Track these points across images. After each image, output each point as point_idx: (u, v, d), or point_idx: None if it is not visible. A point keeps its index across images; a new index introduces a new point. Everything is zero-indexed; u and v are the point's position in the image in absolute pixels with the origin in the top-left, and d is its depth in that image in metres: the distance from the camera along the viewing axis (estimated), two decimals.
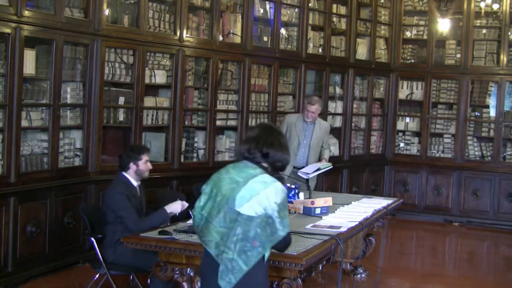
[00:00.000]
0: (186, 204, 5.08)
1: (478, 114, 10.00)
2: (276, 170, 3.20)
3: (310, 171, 6.70)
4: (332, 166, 6.99)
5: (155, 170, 6.98)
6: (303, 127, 7.04)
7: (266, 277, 3.18)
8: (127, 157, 5.11)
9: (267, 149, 3.17)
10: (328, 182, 9.27)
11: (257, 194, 3.00)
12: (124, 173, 5.11)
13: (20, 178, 5.67)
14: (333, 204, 5.44)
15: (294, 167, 6.82)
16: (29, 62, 5.76)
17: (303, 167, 6.87)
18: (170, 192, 6.82)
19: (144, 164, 5.12)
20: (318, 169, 6.75)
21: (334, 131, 9.58)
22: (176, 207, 5.01)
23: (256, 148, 3.17)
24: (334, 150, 9.52)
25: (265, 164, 3.19)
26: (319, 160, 7.09)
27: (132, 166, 5.09)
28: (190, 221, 4.73)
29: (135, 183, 5.13)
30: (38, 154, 5.99)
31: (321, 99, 9.13)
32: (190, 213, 5.63)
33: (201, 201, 3.20)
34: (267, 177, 3.09)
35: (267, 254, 3.10)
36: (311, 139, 7.04)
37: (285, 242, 3.10)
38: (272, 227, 3.00)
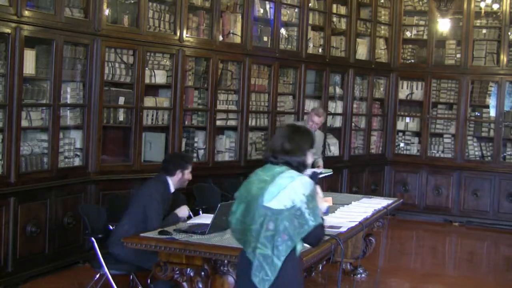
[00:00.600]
0: (188, 209, 5.13)
1: (478, 114, 10.00)
2: (300, 171, 3.20)
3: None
4: (332, 172, 6.99)
5: (155, 170, 7.00)
6: None
7: (299, 271, 3.17)
8: (176, 164, 5.12)
9: (294, 151, 3.21)
10: (328, 182, 9.26)
11: (284, 188, 3.03)
12: (168, 177, 5.10)
13: (20, 178, 5.67)
14: (333, 204, 5.44)
15: None
16: (29, 62, 5.76)
17: None
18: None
19: (188, 174, 5.15)
20: (320, 173, 6.69)
21: (334, 131, 9.59)
22: (184, 212, 5.04)
23: (281, 151, 3.20)
24: (334, 150, 9.52)
25: (283, 162, 3.22)
26: (312, 166, 7.02)
27: (178, 174, 5.10)
28: (190, 221, 4.73)
29: (172, 189, 5.13)
30: (38, 154, 5.99)
31: (321, 99, 9.16)
32: (190, 213, 5.65)
33: (234, 206, 3.24)
34: (293, 172, 3.12)
35: (299, 248, 3.09)
36: None
37: (316, 235, 3.06)
38: (301, 219, 3.00)
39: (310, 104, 9.03)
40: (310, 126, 6.88)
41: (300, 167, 3.20)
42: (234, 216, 3.21)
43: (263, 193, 3.06)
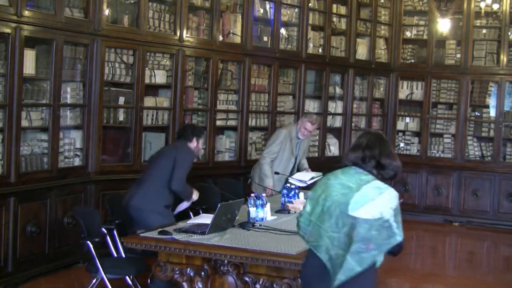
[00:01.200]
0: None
1: (478, 114, 10.00)
2: (385, 179, 3.21)
3: (306, 178, 6.50)
4: (322, 175, 6.83)
5: None
6: (296, 141, 6.74)
7: (374, 284, 3.15)
8: (193, 132, 5.56)
9: (384, 159, 3.21)
10: None
11: (372, 199, 3.03)
12: (187, 143, 5.50)
13: (20, 178, 5.67)
14: None
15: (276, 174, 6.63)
16: (29, 62, 5.76)
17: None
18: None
19: (201, 144, 5.69)
20: (312, 178, 6.58)
21: (334, 131, 9.59)
22: (196, 194, 5.50)
23: (372, 157, 3.19)
24: (334, 150, 9.53)
25: (375, 172, 3.21)
26: (299, 170, 6.89)
27: (194, 142, 5.54)
28: (190, 221, 4.73)
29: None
30: (38, 154, 5.99)
31: (321, 99, 9.16)
32: (191, 213, 5.66)
33: (308, 207, 3.23)
34: (380, 183, 3.13)
35: (380, 259, 3.08)
36: (299, 152, 6.83)
37: (401, 246, 3.08)
38: (389, 231, 3.01)
39: (310, 104, 9.04)
40: (302, 134, 6.68)
41: (387, 180, 3.20)
42: (307, 217, 3.20)
43: (349, 201, 3.04)
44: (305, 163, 7.00)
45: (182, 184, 5.33)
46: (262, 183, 6.47)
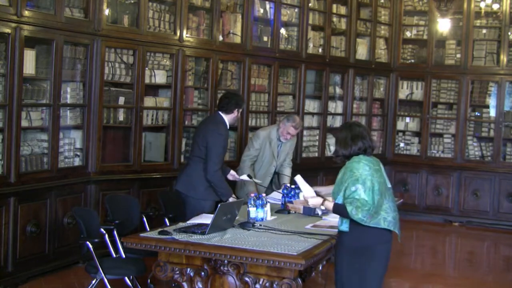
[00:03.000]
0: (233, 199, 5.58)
1: (478, 114, 10.00)
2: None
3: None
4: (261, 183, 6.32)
5: (155, 170, 7.02)
6: (277, 143, 6.46)
7: None
8: (235, 103, 5.67)
9: (371, 142, 4.16)
10: (328, 182, 9.27)
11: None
12: (222, 114, 5.65)
13: (20, 178, 5.67)
14: None
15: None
16: (29, 62, 5.76)
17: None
18: (170, 192, 6.81)
19: (239, 114, 5.79)
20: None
21: (334, 131, 9.58)
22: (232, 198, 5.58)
23: (369, 147, 4.14)
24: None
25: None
26: (278, 175, 6.61)
27: (234, 112, 5.68)
28: (190, 221, 4.73)
29: (228, 126, 5.68)
30: (38, 154, 5.99)
31: (321, 99, 9.16)
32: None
33: (366, 197, 3.89)
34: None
35: None
36: (281, 154, 6.56)
37: None
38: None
39: (310, 104, 9.04)
40: (284, 138, 6.38)
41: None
42: (370, 207, 3.90)
43: (385, 179, 4.06)
44: (285, 170, 6.57)
45: (215, 174, 5.52)
46: (244, 188, 6.30)
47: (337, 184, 4.06)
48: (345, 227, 4.02)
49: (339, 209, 3.99)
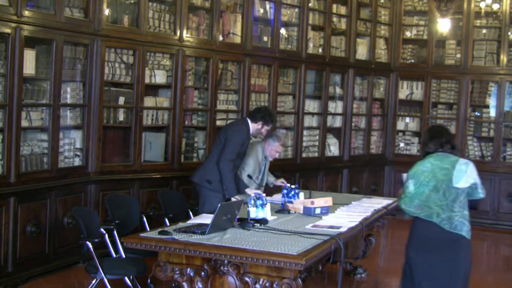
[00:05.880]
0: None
1: (478, 114, 10.00)
2: (455, 154, 4.46)
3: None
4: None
5: (155, 170, 7.02)
6: (264, 162, 6.34)
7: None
8: (263, 116, 5.86)
9: (454, 142, 4.50)
10: (328, 182, 9.27)
11: (465, 172, 4.31)
12: (250, 121, 5.86)
13: (20, 178, 5.67)
14: (333, 204, 5.44)
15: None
16: (29, 62, 5.76)
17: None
18: (170, 192, 6.81)
19: (266, 130, 5.92)
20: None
21: (334, 131, 9.59)
22: (251, 192, 5.49)
23: (447, 142, 4.45)
24: (334, 150, 9.52)
25: (450, 152, 4.43)
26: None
27: (259, 124, 5.85)
28: (190, 221, 4.73)
29: (251, 132, 5.88)
30: (38, 154, 5.99)
31: (321, 99, 9.16)
32: (190, 213, 5.65)
33: (411, 189, 4.38)
34: (463, 159, 4.40)
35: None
36: (265, 171, 6.40)
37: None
38: (475, 191, 4.38)
39: (310, 104, 9.04)
40: (272, 156, 6.28)
41: (457, 151, 4.50)
42: (411, 197, 4.36)
43: (451, 178, 4.29)
44: (269, 177, 6.48)
45: (226, 166, 5.63)
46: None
47: None
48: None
49: None
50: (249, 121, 5.93)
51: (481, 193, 4.44)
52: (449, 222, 4.38)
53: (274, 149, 6.26)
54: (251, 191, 5.57)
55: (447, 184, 4.31)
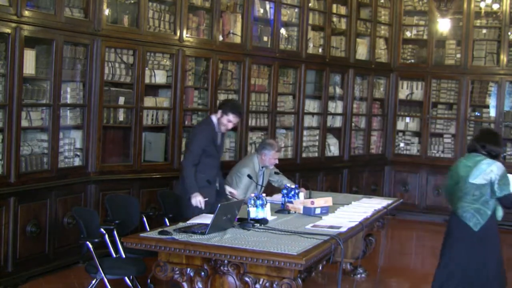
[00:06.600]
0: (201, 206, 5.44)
1: (478, 114, 10.00)
2: (493, 157, 4.89)
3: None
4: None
5: (155, 170, 7.02)
6: (260, 173, 6.46)
7: (496, 228, 5.18)
8: (222, 107, 5.66)
9: (489, 146, 4.89)
10: (328, 182, 9.28)
11: (484, 170, 4.79)
12: (213, 117, 5.70)
13: (20, 178, 5.67)
14: (333, 204, 5.44)
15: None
16: (29, 62, 5.76)
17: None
18: (170, 192, 6.80)
19: (227, 122, 5.61)
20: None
21: (334, 131, 9.59)
22: (197, 200, 5.40)
23: (481, 146, 4.91)
24: (334, 150, 9.53)
25: (484, 153, 4.89)
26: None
27: (218, 114, 5.64)
28: (190, 221, 4.73)
29: (216, 128, 5.67)
30: (38, 154, 5.99)
31: (321, 99, 9.16)
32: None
33: (448, 182, 5.12)
34: (490, 160, 4.84)
35: (499, 214, 5.05)
36: (264, 180, 6.49)
37: (507, 200, 4.87)
38: (492, 190, 4.79)
39: (310, 104, 9.04)
40: (271, 164, 6.40)
41: (491, 153, 4.90)
42: (446, 190, 5.18)
43: (469, 174, 4.83)
44: (282, 178, 6.65)
45: (188, 166, 5.52)
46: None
47: None
48: None
49: None
50: (212, 117, 5.73)
51: (497, 192, 4.80)
52: (462, 212, 4.92)
53: (272, 158, 6.40)
54: (229, 189, 5.86)
55: (465, 180, 4.87)
